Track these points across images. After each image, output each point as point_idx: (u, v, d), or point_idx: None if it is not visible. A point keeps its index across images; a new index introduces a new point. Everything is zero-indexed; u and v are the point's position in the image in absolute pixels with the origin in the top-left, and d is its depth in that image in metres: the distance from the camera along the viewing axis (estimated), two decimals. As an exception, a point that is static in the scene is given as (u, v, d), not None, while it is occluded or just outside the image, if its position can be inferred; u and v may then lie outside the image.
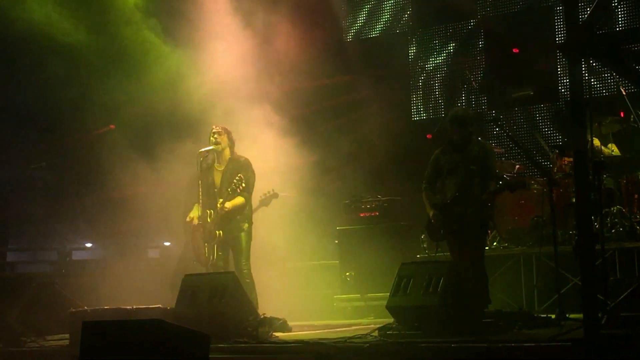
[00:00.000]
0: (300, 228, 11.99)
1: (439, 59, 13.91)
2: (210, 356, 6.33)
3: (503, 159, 11.51)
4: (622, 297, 7.66)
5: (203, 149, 9.66)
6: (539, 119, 13.02)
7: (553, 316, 8.37)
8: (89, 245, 15.88)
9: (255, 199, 10.08)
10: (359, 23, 14.51)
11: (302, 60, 12.77)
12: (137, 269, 12.18)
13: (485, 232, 9.01)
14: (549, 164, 11.44)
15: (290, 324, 9.26)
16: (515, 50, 12.99)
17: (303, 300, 11.32)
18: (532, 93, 12.26)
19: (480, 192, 8.50)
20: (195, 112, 11.43)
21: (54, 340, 9.62)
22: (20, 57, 12.04)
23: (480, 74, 13.37)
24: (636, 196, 10.20)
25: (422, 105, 14.02)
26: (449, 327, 7.52)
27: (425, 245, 10.89)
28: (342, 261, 11.51)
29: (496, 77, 13.30)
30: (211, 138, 9.65)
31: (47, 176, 14.11)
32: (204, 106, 11.43)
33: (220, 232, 9.51)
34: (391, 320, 8.08)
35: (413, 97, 14.07)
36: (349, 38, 14.54)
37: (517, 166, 11.25)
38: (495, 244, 10.79)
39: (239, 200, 9.51)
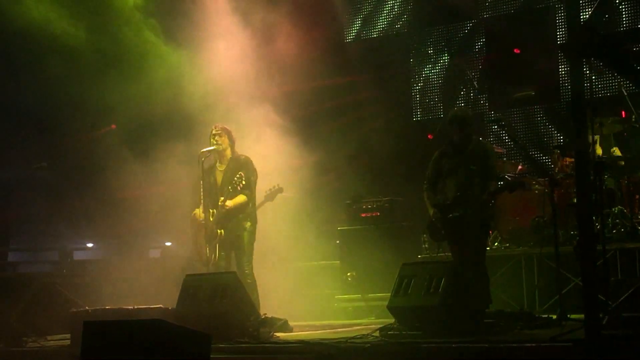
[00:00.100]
0: (301, 228, 11.98)
1: (440, 60, 13.91)
2: (211, 356, 6.33)
3: (504, 159, 11.51)
4: (623, 297, 7.66)
5: (204, 150, 9.65)
6: (540, 119, 13.02)
7: (554, 316, 8.36)
8: (90, 245, 15.91)
9: (260, 195, 10.07)
10: (360, 23, 14.51)
11: (303, 61, 12.76)
12: (138, 269, 12.18)
13: (486, 233, 9.01)
14: (551, 164, 11.43)
15: (291, 324, 9.26)
16: (516, 51, 12.99)
17: (304, 300, 11.32)
18: (533, 93, 12.25)
19: (481, 193, 8.50)
20: (196, 112, 11.43)
21: (55, 340, 9.63)
22: (19, 56, 12.03)
23: (482, 74, 13.36)
24: (637, 196, 10.19)
25: (423, 105, 14.01)
26: (450, 327, 7.52)
27: (426, 246, 10.88)
28: (343, 261, 11.51)
29: (497, 78, 13.30)
30: (211, 139, 9.64)
31: (48, 176, 14.10)
32: (205, 106, 11.43)
33: (222, 231, 9.50)
34: (392, 320, 8.08)
35: (414, 98, 14.07)
36: (350, 38, 14.53)
37: (519, 167, 11.25)
38: (496, 244, 10.78)
39: (241, 198, 9.50)
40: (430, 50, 14.00)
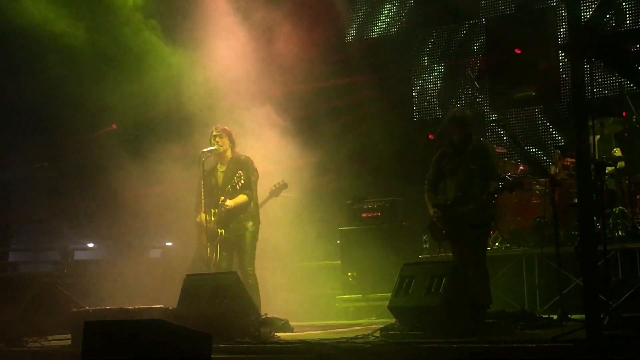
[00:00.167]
0: (302, 228, 11.99)
1: (441, 59, 13.91)
2: (212, 356, 6.33)
3: (505, 159, 11.51)
4: (624, 297, 7.66)
5: (205, 150, 9.65)
6: (541, 120, 13.02)
7: (555, 317, 8.36)
8: (91, 245, 15.89)
9: (265, 191, 10.07)
10: (360, 24, 14.51)
11: (304, 61, 12.76)
12: (139, 269, 12.17)
13: (487, 233, 9.01)
14: (551, 164, 11.43)
15: (292, 324, 9.26)
16: (517, 51, 12.99)
17: (305, 300, 11.32)
18: (533, 93, 12.25)
19: (481, 193, 8.50)
20: (197, 112, 11.44)
21: (56, 340, 9.63)
22: (19, 56, 12.03)
23: (482, 74, 13.36)
24: (638, 197, 10.19)
25: (424, 105, 14.01)
26: (451, 327, 7.52)
27: (427, 246, 10.90)
28: (344, 261, 11.51)
29: (498, 78, 13.30)
30: (212, 140, 9.64)
31: (48, 176, 14.10)
32: (205, 106, 11.43)
33: (222, 231, 9.50)
34: (393, 320, 8.08)
35: (414, 98, 14.07)
36: (351, 38, 14.53)
37: (521, 167, 11.25)
38: (497, 244, 10.78)
39: (241, 198, 9.50)
40: (431, 50, 14.00)
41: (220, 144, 9.62)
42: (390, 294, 8.09)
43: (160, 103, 11.75)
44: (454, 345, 6.95)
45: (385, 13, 14.34)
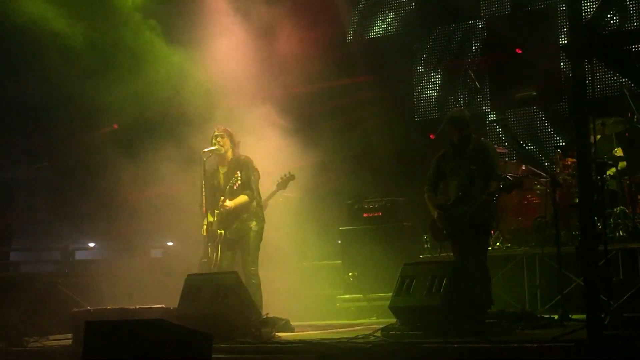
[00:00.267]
0: (303, 228, 11.99)
1: (441, 59, 13.91)
2: (213, 356, 6.33)
3: (506, 159, 11.51)
4: (625, 297, 7.65)
5: (206, 149, 9.65)
6: (542, 120, 13.02)
7: (556, 317, 8.36)
8: (91, 245, 15.90)
9: (272, 184, 10.06)
10: (361, 23, 14.51)
11: (305, 61, 12.77)
12: (140, 269, 12.18)
13: (487, 233, 9.01)
14: (552, 164, 11.43)
15: (293, 324, 9.26)
16: (518, 51, 12.99)
17: (306, 300, 11.33)
18: (534, 93, 12.25)
19: (482, 193, 8.49)
20: (197, 111, 11.44)
21: (57, 340, 9.63)
22: (19, 56, 12.03)
23: (483, 74, 13.36)
24: (639, 197, 10.19)
25: (425, 105, 14.02)
26: (452, 327, 7.51)
27: (428, 246, 10.90)
28: (345, 261, 11.51)
29: (499, 78, 13.30)
30: (213, 141, 9.63)
31: (50, 176, 14.11)
32: (206, 106, 11.43)
33: (222, 231, 9.50)
34: (394, 320, 8.08)
35: (415, 98, 14.07)
36: (352, 38, 14.53)
37: (522, 167, 11.24)
38: (498, 244, 10.78)
39: (242, 198, 9.49)
40: (432, 50, 14.00)
41: (221, 144, 9.61)
42: (391, 294, 8.09)
43: (161, 103, 11.75)
44: (455, 345, 6.95)
45: (385, 13, 14.34)
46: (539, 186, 10.69)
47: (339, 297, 11.45)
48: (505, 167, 10.92)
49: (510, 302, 9.77)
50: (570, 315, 8.21)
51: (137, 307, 9.05)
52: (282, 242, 11.16)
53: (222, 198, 9.43)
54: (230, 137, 9.68)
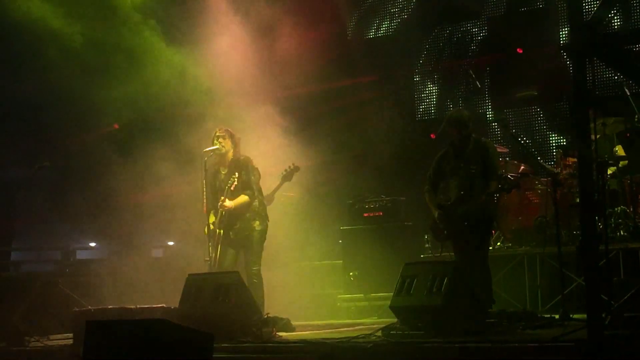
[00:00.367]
0: (304, 228, 11.99)
1: (442, 59, 13.91)
2: (214, 356, 6.33)
3: (507, 158, 11.51)
4: (626, 297, 7.66)
5: (207, 149, 9.65)
6: (543, 119, 13.01)
7: (557, 316, 8.36)
8: (92, 244, 15.89)
9: (277, 177, 10.04)
10: (363, 23, 14.51)
11: (305, 61, 12.76)
12: (141, 269, 12.18)
13: (488, 233, 9.00)
14: (553, 164, 11.42)
15: (293, 323, 9.26)
16: (519, 50, 12.99)
17: (307, 300, 11.33)
18: (535, 93, 12.24)
19: (481, 193, 8.49)
20: (198, 111, 11.44)
21: (58, 339, 9.64)
22: (18, 56, 12.03)
23: (484, 73, 13.36)
24: (640, 196, 10.19)
25: (426, 105, 14.02)
26: (453, 327, 7.52)
27: (428, 245, 10.90)
28: (346, 261, 11.51)
29: (499, 77, 13.29)
30: (215, 141, 9.63)
31: (50, 176, 14.10)
32: (207, 105, 11.44)
33: (221, 231, 9.49)
34: (395, 320, 8.07)
35: (417, 97, 14.07)
36: (352, 38, 14.52)
37: (522, 166, 11.24)
38: (499, 244, 10.78)
39: (242, 198, 9.49)
40: (432, 49, 13.99)
41: (222, 144, 9.61)
42: (391, 294, 8.09)
43: (161, 102, 11.75)
44: (456, 345, 6.94)
45: (388, 12, 14.33)
46: (539, 186, 10.69)
47: (339, 296, 11.45)
48: (506, 166, 10.92)
49: (511, 301, 9.77)
50: (571, 315, 8.21)
51: (138, 306, 9.06)
52: (283, 242, 11.17)
53: (222, 198, 9.44)
54: (232, 137, 9.68)
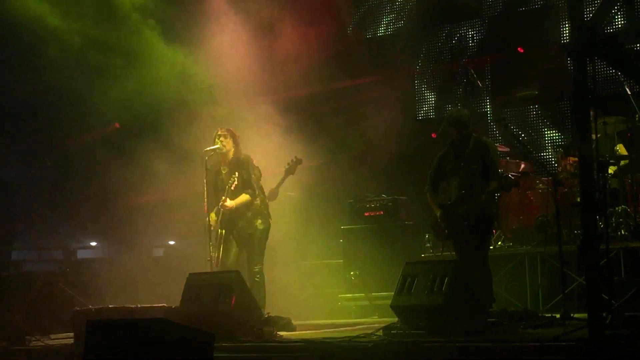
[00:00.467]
0: (305, 227, 11.99)
1: (443, 58, 13.90)
2: (214, 355, 6.34)
3: (508, 158, 11.51)
4: (626, 296, 7.65)
5: (208, 148, 9.65)
6: (544, 118, 13.01)
7: (558, 316, 8.36)
8: (93, 244, 15.90)
9: (281, 171, 10.03)
10: (363, 22, 14.51)
11: (306, 60, 12.76)
12: (142, 268, 12.20)
13: (489, 232, 9.00)
14: (554, 163, 11.42)
15: (294, 323, 9.27)
16: (520, 50, 12.98)
17: (307, 299, 11.33)
18: (536, 92, 12.24)
19: (482, 192, 8.49)
20: (199, 110, 11.44)
21: (59, 338, 9.65)
22: (19, 56, 12.04)
23: (485, 73, 13.35)
24: (641, 196, 10.18)
25: (427, 104, 14.02)
26: (453, 326, 7.51)
27: (429, 245, 10.90)
28: (347, 260, 11.51)
29: (500, 76, 13.29)
30: (216, 140, 9.63)
31: (51, 175, 14.12)
32: (207, 104, 11.44)
33: (223, 230, 9.50)
34: (395, 319, 8.07)
35: (417, 97, 14.07)
36: (353, 38, 14.51)
37: (522, 165, 11.24)
38: (499, 243, 10.78)
39: (243, 197, 9.50)
40: (433, 49, 13.99)
41: (224, 143, 9.61)
42: (392, 293, 8.08)
43: (162, 102, 11.75)
44: (457, 345, 6.95)
45: (389, 12, 14.33)
46: (540, 185, 10.68)
47: (340, 296, 11.45)
48: (506, 165, 10.92)
49: (511, 301, 9.77)
50: (571, 314, 8.21)
51: (139, 306, 9.06)
52: (284, 241, 11.17)
53: (223, 198, 9.44)
54: (233, 136, 9.68)
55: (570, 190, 10.20)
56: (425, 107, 14.03)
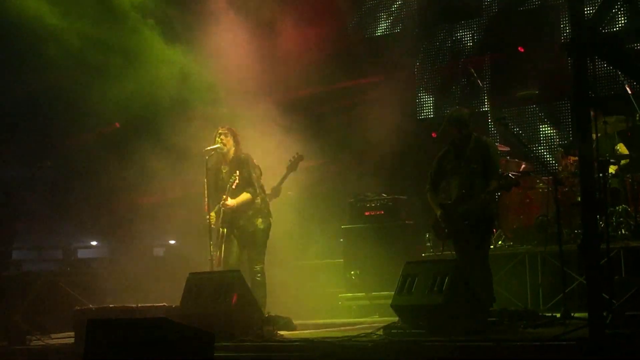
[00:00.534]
0: (305, 227, 11.99)
1: (443, 57, 13.90)
2: (215, 355, 6.34)
3: (508, 157, 11.51)
4: (627, 296, 7.65)
5: (209, 148, 9.64)
6: (544, 118, 13.01)
7: (558, 315, 8.36)
8: (94, 243, 15.91)
9: (281, 171, 10.04)
10: (364, 21, 14.50)
11: (307, 59, 12.76)
12: (142, 268, 12.20)
13: (489, 232, 9.00)
14: (555, 163, 11.42)
15: (295, 322, 9.27)
16: (520, 49, 12.97)
17: (308, 298, 11.33)
18: (537, 92, 12.23)
19: (482, 191, 8.49)
20: (199, 109, 11.44)
21: (59, 338, 9.65)
22: (19, 55, 12.04)
23: (486, 72, 13.35)
24: (641, 195, 10.18)
25: (428, 103, 14.01)
26: (454, 325, 7.51)
27: (430, 244, 10.90)
28: (347, 260, 11.51)
29: (501, 76, 13.28)
30: (217, 139, 9.63)
31: (52, 175, 14.12)
32: (208, 104, 11.44)
33: (224, 230, 9.50)
34: (396, 319, 8.08)
35: (418, 96, 14.06)
36: (354, 37, 14.51)
37: (523, 165, 11.24)
38: (500, 242, 10.78)
39: (244, 196, 9.49)
40: (434, 48, 13.99)
41: (224, 142, 9.61)
42: (393, 293, 8.08)
43: (162, 101, 11.75)
44: (457, 344, 6.95)
45: (389, 11, 14.33)
46: (541, 184, 10.68)
47: (340, 295, 11.45)
48: (507, 165, 10.92)
49: (512, 300, 9.77)
50: (572, 314, 8.21)
51: (139, 305, 9.06)
52: (284, 241, 11.16)
53: (224, 197, 9.44)
54: (234, 135, 9.68)
55: (571, 189, 10.20)
56: (425, 106, 14.03)
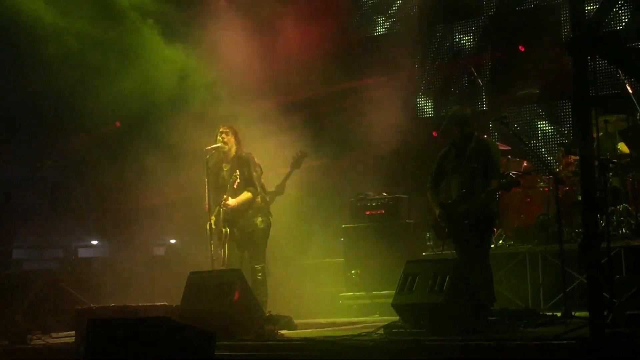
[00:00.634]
0: (306, 226, 11.99)
1: (444, 56, 13.90)
2: (215, 354, 6.34)
3: (509, 156, 11.51)
4: (628, 295, 7.65)
5: (209, 147, 9.64)
6: (544, 117, 13.01)
7: (559, 314, 8.36)
8: (94, 242, 15.92)
9: (287, 165, 10.01)
10: (364, 21, 14.50)
11: (307, 59, 12.76)
12: (143, 267, 12.19)
13: (489, 231, 9.00)
14: (555, 162, 11.41)
15: (295, 321, 9.27)
16: (520, 48, 12.97)
17: (308, 298, 11.33)
18: (537, 91, 12.23)
19: (482, 191, 8.49)
20: (199, 109, 11.44)
21: (60, 337, 9.65)
22: (19, 55, 12.04)
23: (486, 71, 13.35)
24: (642, 194, 10.18)
25: (428, 102, 14.01)
26: (454, 325, 7.51)
27: (430, 243, 10.89)
28: (348, 259, 11.51)
29: (501, 75, 13.28)
30: (218, 137, 9.62)
31: (52, 174, 14.13)
32: (208, 103, 11.44)
33: (227, 229, 9.49)
34: (397, 318, 8.08)
35: (419, 95, 14.06)
36: (354, 36, 14.51)
37: (524, 164, 11.24)
38: (501, 242, 10.78)
39: (245, 195, 9.49)
40: (435, 47, 13.99)
41: (225, 141, 9.60)
42: (393, 292, 8.08)
43: (162, 100, 11.75)
44: (457, 343, 6.95)
45: (390, 10, 14.32)
46: (541, 184, 10.68)
47: (341, 294, 11.45)
48: (508, 164, 10.91)
49: (512, 299, 9.77)
50: (572, 313, 8.21)
51: (140, 304, 9.06)
52: (285, 240, 11.17)
53: (225, 196, 9.43)
54: (235, 134, 9.67)
55: (571, 188, 10.20)
56: (425, 105, 14.02)
